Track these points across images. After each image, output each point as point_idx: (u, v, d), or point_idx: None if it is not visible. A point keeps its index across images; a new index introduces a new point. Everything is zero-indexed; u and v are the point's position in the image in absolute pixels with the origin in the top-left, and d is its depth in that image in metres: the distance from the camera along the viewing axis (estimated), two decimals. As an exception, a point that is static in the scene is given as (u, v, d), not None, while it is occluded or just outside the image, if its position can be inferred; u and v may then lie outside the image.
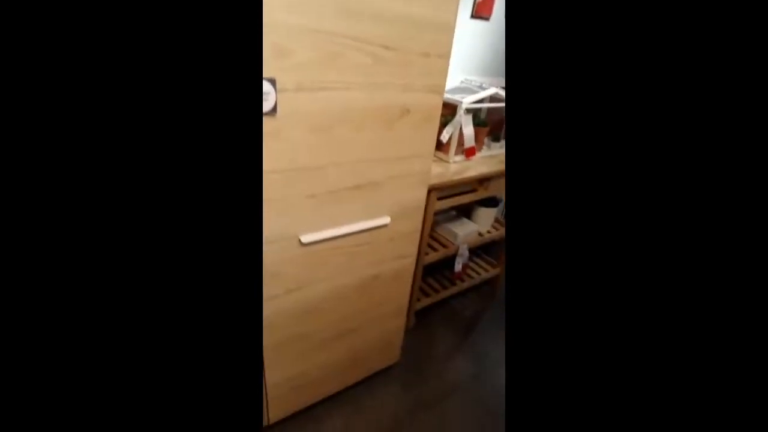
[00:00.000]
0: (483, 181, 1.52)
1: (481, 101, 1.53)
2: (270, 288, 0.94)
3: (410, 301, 1.55)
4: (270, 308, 0.97)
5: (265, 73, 0.70)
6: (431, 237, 1.67)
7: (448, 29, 0.91)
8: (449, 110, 1.47)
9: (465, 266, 1.74)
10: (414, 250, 1.23)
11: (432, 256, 1.54)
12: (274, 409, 1.15)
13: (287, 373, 1.11)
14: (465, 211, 1.81)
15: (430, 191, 1.30)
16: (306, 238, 0.93)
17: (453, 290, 1.76)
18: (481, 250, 2.05)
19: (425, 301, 1.66)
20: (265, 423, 1.16)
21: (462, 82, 1.72)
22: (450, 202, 1.45)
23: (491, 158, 1.64)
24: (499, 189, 1.60)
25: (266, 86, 0.70)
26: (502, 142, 1.79)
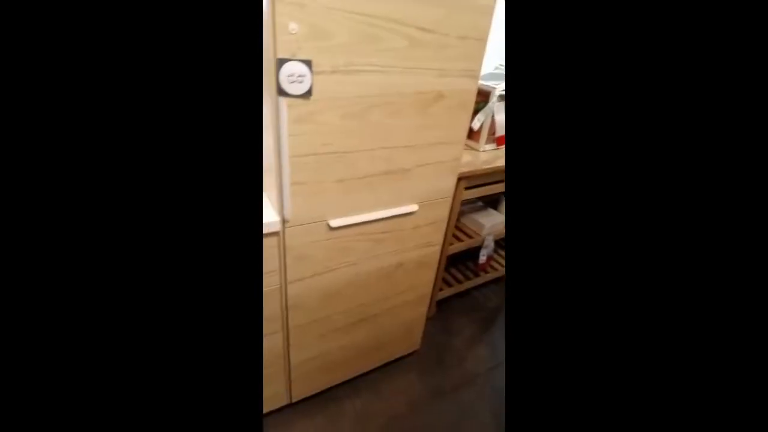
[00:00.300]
0: (513, 171, 1.48)
1: (515, 88, 1.48)
2: (298, 270, 0.95)
3: (433, 290, 1.55)
4: (296, 290, 0.98)
5: (303, 55, 0.69)
6: (456, 227, 1.65)
7: (488, 11, 0.87)
8: (482, 97, 1.43)
9: (489, 258, 1.72)
10: (439, 239, 1.21)
11: (456, 246, 1.52)
12: (297, 388, 1.18)
13: (310, 354, 1.13)
14: (492, 202, 1.77)
15: (458, 180, 1.27)
16: (334, 223, 0.93)
17: (476, 281, 1.74)
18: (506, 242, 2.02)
19: (447, 291, 1.65)
20: (287, 401, 1.20)
21: (496, 68, 1.66)
22: (478, 191, 1.42)
23: (522, 148, 1.59)
24: (529, 180, 1.55)
25: (302, 68, 0.69)
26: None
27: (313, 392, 1.25)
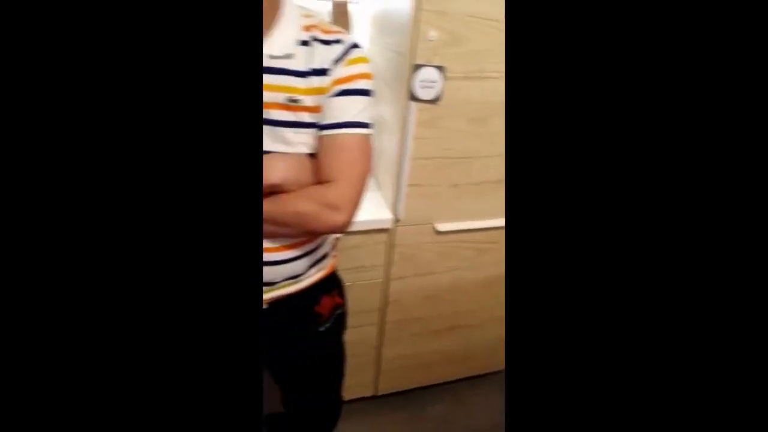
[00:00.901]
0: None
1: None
2: (401, 268, 0.98)
3: (528, 309, 1.47)
4: (398, 286, 1.01)
5: (437, 61, 0.71)
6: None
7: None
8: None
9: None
10: (546, 256, 1.14)
11: (561, 266, 1.42)
12: (384, 382, 1.22)
13: (401, 351, 1.16)
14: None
15: (573, 195, 1.19)
16: (442, 227, 0.94)
17: (577, 307, 1.60)
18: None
19: (544, 312, 1.55)
20: (373, 392, 1.24)
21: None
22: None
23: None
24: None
25: (435, 74, 0.72)
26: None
27: (399, 389, 1.28)
